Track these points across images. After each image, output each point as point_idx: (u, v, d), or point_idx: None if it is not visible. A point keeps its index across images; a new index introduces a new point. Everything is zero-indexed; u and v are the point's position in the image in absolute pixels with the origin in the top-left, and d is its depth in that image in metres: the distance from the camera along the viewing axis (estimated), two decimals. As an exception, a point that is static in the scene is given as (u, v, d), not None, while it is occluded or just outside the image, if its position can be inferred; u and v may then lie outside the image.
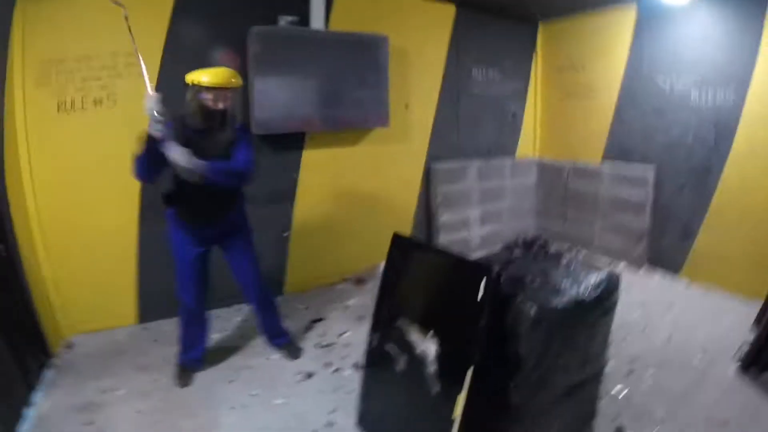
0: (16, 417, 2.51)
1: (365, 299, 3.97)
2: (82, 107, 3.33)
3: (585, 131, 4.83)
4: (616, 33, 4.42)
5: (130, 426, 2.52)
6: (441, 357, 1.95)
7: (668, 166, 4.14)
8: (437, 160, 4.66)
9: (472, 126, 4.87)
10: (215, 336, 3.42)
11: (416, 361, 2.04)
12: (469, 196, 4.80)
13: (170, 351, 3.14)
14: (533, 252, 2.47)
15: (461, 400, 1.80)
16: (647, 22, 4.19)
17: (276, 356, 3.15)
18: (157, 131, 2.39)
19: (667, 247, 4.21)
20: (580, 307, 1.98)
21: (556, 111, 5.16)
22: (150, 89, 2.46)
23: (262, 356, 3.17)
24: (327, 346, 3.25)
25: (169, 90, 3.38)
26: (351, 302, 3.95)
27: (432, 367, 1.97)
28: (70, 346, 3.35)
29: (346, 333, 3.41)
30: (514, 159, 5.14)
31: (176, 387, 2.84)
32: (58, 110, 3.28)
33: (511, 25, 4.94)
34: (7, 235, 2.89)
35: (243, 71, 3.60)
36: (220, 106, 2.51)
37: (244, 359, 3.15)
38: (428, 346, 2.00)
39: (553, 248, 2.53)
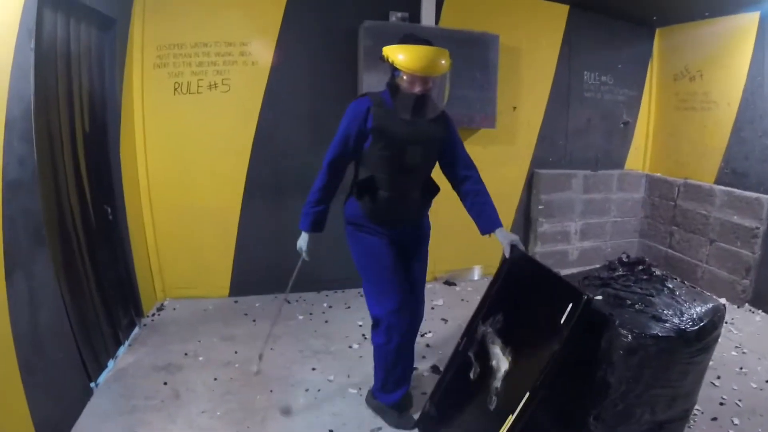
0: (99, 366, 2.65)
1: (452, 301, 3.88)
2: (198, 90, 3.51)
3: (700, 147, 4.42)
4: (737, 41, 4.02)
5: (204, 391, 2.58)
6: (508, 374, 1.86)
7: None
8: (542, 166, 4.43)
9: (580, 133, 4.59)
10: (300, 317, 3.47)
11: (488, 372, 1.96)
12: (572, 206, 4.50)
13: (258, 327, 3.29)
14: (636, 273, 2.25)
15: (509, 423, 1.70)
16: None
17: (356, 345, 3.11)
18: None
19: None
20: (680, 339, 1.76)
21: (670, 122, 4.75)
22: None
23: (344, 343, 3.15)
24: None
25: (280, 83, 3.61)
26: (438, 302, 3.84)
27: (498, 382, 1.88)
28: (161, 308, 3.59)
29: (429, 333, 3.30)
30: (622, 171, 4.79)
31: (257, 360, 2.61)
32: (174, 92, 3.48)
33: (627, 29, 4.62)
34: (116, 200, 3.13)
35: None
36: (417, 90, 2.02)
37: (325, 344, 3.13)
38: (502, 361, 1.90)
39: (657, 271, 2.28)
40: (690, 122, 4.52)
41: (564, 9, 4.32)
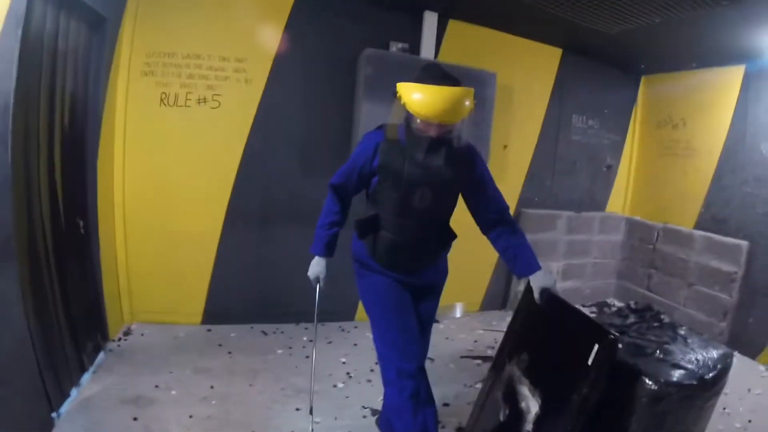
0: (62, 394, 2.41)
1: (437, 340, 3.62)
2: (186, 104, 3.34)
3: (680, 192, 4.53)
4: (721, 92, 4.17)
5: (179, 430, 2.34)
6: (538, 418, 1.80)
7: (765, 238, 3.77)
8: (528, 206, 4.43)
9: (567, 174, 4.64)
10: (279, 351, 3.28)
11: (517, 414, 1.89)
12: (555, 247, 4.52)
13: (234, 359, 3.09)
14: (648, 320, 2.27)
15: None
16: (755, 84, 3.92)
17: (341, 384, 2.94)
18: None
19: (752, 327, 3.79)
20: (700, 385, 1.80)
21: (652, 168, 4.88)
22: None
23: (328, 381, 2.96)
24: None
25: (273, 105, 3.49)
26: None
27: (529, 426, 1.81)
28: (128, 332, 3.33)
29: None
30: (604, 213, 4.85)
31: (236, 397, 2.54)
32: (161, 103, 3.31)
33: (615, 75, 4.76)
34: (89, 213, 2.90)
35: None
36: (433, 134, 1.82)
37: (308, 382, 2.85)
38: (531, 404, 1.84)
39: (666, 318, 2.32)
40: (671, 168, 4.63)
41: (558, 52, 4.40)
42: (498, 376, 2.09)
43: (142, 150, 3.29)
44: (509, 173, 4.33)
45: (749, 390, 3.23)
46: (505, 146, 4.24)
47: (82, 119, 2.81)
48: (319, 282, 2.16)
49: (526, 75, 4.26)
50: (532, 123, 4.39)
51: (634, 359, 1.83)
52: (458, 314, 4.28)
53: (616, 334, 1.66)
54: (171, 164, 3.36)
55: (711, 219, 4.22)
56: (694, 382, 1.76)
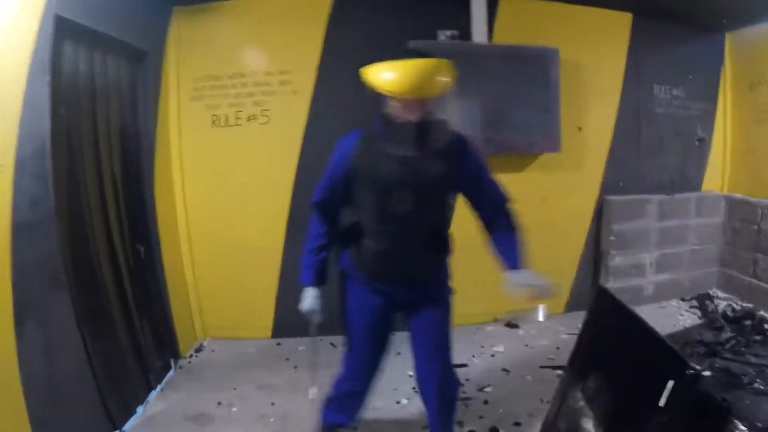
0: (128, 413, 2.54)
1: (514, 347, 3.46)
2: (236, 122, 3.42)
3: (785, 162, 3.95)
4: None
5: None
6: None
7: None
8: (612, 192, 4.01)
9: (653, 152, 4.17)
10: (336, 369, 3.06)
11: None
12: (647, 236, 4.04)
13: (299, 374, 3.06)
14: (746, 333, 1.81)
15: None
16: None
17: (405, 401, 2.74)
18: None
19: None
20: None
21: (750, 136, 4.30)
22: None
23: (390, 398, 2.76)
24: (464, 399, 2.71)
25: (323, 113, 3.43)
26: (499, 349, 3.41)
27: None
28: (200, 349, 3.47)
29: (488, 387, 2.89)
30: (700, 193, 4.33)
31: (296, 412, 2.53)
32: (213, 124, 3.42)
33: (695, 35, 4.24)
34: (151, 238, 3.03)
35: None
36: (412, 117, 1.64)
37: (372, 397, 2.65)
38: None
39: None
40: (773, 135, 4.06)
41: (628, 17, 3.97)
42: (563, 404, 1.82)
43: (200, 172, 3.42)
44: (588, 158, 3.97)
45: None
46: (580, 128, 3.87)
47: (134, 151, 2.94)
48: (314, 315, 1.94)
49: (595, 48, 3.89)
50: (608, 99, 3.99)
51: (725, 392, 1.45)
52: (541, 317, 3.92)
53: (697, 367, 1.31)
54: (229, 183, 3.46)
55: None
56: None
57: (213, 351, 3.41)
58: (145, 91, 3.02)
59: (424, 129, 1.66)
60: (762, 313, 2.10)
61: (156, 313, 3.03)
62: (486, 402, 2.74)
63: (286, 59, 3.40)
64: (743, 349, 1.74)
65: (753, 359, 1.64)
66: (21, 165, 1.83)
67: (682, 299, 4.18)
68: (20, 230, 1.82)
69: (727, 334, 1.88)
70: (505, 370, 3.13)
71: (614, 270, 3.97)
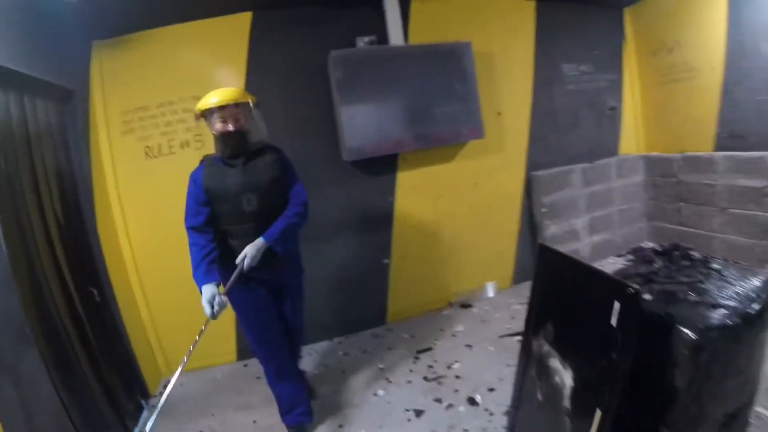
0: None
1: (473, 324, 3.67)
2: (170, 151, 3.37)
3: (691, 117, 4.31)
4: (709, 3, 3.93)
5: None
6: (573, 391, 1.71)
7: None
8: (538, 168, 4.27)
9: (570, 126, 4.46)
10: (315, 372, 3.26)
11: (553, 391, 1.81)
12: (575, 203, 4.34)
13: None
14: (676, 260, 2.09)
15: None
16: None
17: (381, 392, 2.90)
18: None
19: None
20: (744, 323, 1.59)
21: (657, 99, 4.65)
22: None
23: (367, 392, 2.93)
24: (436, 379, 2.95)
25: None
26: (459, 328, 3.63)
27: (566, 401, 1.73)
28: (167, 385, 3.27)
29: (456, 364, 3.10)
30: (619, 157, 4.65)
31: (282, 426, 2.62)
32: (146, 156, 3.34)
33: (596, 13, 4.53)
34: (101, 280, 2.98)
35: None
36: (231, 127, 2.24)
37: (347, 397, 2.90)
38: (564, 377, 1.74)
39: (696, 254, 2.11)
40: (677, 94, 4.42)
41: (531, 4, 4.22)
42: (529, 354, 2.00)
43: (139, 206, 3.33)
44: (510, 140, 4.20)
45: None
46: (499, 113, 4.10)
47: (73, 193, 2.87)
48: (214, 306, 2.18)
49: (504, 36, 4.11)
50: (523, 83, 4.23)
51: (667, 307, 1.65)
52: (491, 294, 4.17)
53: (636, 286, 1.50)
54: (171, 212, 3.24)
55: (729, 137, 4.00)
56: (738, 321, 1.57)
57: (181, 385, 3.21)
58: (76, 130, 2.96)
59: (241, 136, 2.26)
60: (684, 245, 2.36)
61: (119, 356, 2.96)
62: (458, 377, 2.94)
63: (213, 81, 3.34)
64: (674, 273, 1.94)
65: (684, 279, 1.85)
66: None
67: (618, 255, 4.50)
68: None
69: (658, 264, 2.11)
70: (468, 345, 3.32)
71: (551, 238, 4.22)
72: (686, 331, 1.55)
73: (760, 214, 3.66)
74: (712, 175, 4.00)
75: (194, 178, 2.33)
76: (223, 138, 2.26)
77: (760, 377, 1.83)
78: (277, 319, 2.49)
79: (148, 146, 3.31)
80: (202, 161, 2.40)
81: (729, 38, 3.85)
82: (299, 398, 2.59)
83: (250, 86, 3.41)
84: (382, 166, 3.74)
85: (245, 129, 2.28)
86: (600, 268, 1.78)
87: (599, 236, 4.51)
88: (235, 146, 2.26)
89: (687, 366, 1.55)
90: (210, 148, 3.27)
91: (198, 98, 3.23)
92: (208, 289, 2.18)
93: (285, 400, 2.56)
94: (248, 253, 2.22)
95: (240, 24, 3.43)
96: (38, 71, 2.50)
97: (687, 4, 4.14)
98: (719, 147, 4.08)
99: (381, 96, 3.52)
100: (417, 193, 3.88)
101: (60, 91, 2.82)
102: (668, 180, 4.44)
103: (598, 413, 1.50)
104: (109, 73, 3.25)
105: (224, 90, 2.26)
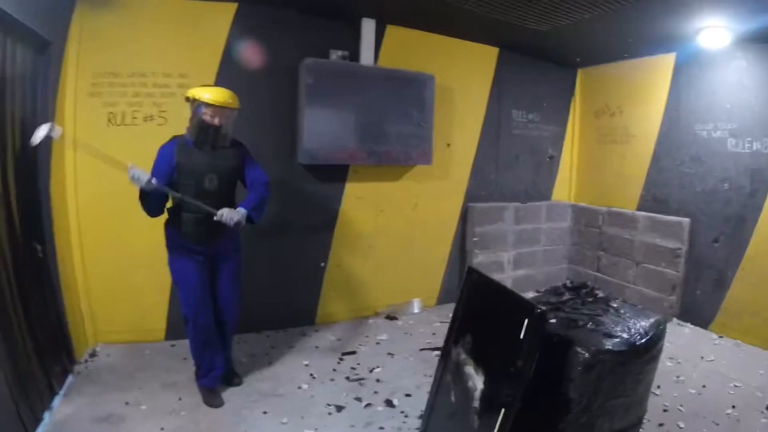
0: (36, 419, 2.45)
1: (396, 335, 3.90)
2: (133, 122, 3.38)
3: (621, 177, 4.80)
4: (654, 79, 4.45)
5: None
6: (483, 393, 1.94)
7: (704, 214, 4.08)
8: (475, 200, 4.63)
9: (510, 167, 4.86)
10: (244, 360, 3.36)
11: (466, 393, 2.03)
12: (504, 237, 4.73)
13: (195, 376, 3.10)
14: (582, 296, 2.45)
15: None
16: (685, 69, 4.22)
17: (305, 386, 3.06)
18: (150, 185, 2.53)
19: (700, 298, 4.10)
20: (631, 352, 1.97)
21: (593, 155, 5.14)
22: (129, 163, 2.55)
23: (292, 384, 3.08)
24: (358, 380, 3.16)
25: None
26: (383, 337, 3.85)
27: (476, 402, 1.95)
28: (94, 354, 3.35)
29: (377, 368, 3.32)
30: (550, 202, 5.09)
31: (204, 407, 2.77)
32: (108, 122, 3.34)
33: (551, 70, 4.99)
34: (46, 238, 2.94)
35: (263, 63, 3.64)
36: (216, 122, 2.63)
37: (273, 386, 3.05)
38: (476, 381, 2.00)
39: (600, 293, 2.49)
40: (611, 154, 4.89)
41: (494, 51, 4.60)
42: (447, 361, 2.25)
43: (93, 171, 3.26)
44: (454, 170, 4.53)
45: (702, 357, 3.52)
46: (449, 144, 4.44)
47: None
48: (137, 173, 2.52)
49: (465, 75, 4.46)
50: (474, 120, 4.59)
51: (568, 331, 1.99)
52: (416, 309, 4.44)
53: (543, 308, 1.80)
54: (122, 183, 3.17)
55: (652, 199, 4.49)
56: (625, 348, 1.92)
57: (108, 355, 3.32)
58: (45, 83, 2.90)
59: (220, 132, 2.65)
60: (593, 285, 2.69)
61: (52, 317, 2.91)
62: (378, 380, 3.14)
63: (187, 63, 3.41)
64: (579, 306, 2.30)
65: (586, 311, 2.21)
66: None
67: (537, 291, 4.85)
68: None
69: (566, 296, 2.45)
70: (390, 354, 3.53)
71: (477, 266, 4.51)
72: (581, 351, 1.88)
73: (671, 272, 4.15)
74: (632, 231, 4.46)
75: (166, 150, 2.67)
76: (206, 128, 2.62)
77: (646, 404, 2.21)
78: (209, 290, 2.80)
79: (111, 113, 3.31)
80: (172, 139, 2.71)
81: (666, 113, 4.36)
82: (217, 365, 2.87)
83: (221, 74, 3.51)
84: (334, 174, 3.94)
85: (224, 127, 2.68)
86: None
87: (522, 271, 4.89)
88: (213, 138, 2.65)
89: (580, 381, 1.88)
90: (173, 125, 3.30)
91: (168, 76, 3.40)
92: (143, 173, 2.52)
93: (205, 365, 2.84)
94: (226, 212, 2.57)
95: (224, 12, 3.51)
96: (21, 14, 2.43)
97: (634, 78, 4.64)
98: (642, 207, 4.56)
99: (344, 108, 3.76)
100: (362, 204, 4.10)
101: (39, 40, 2.76)
102: (592, 229, 4.90)
103: (503, 411, 1.77)
104: (89, 33, 3.21)
105: (224, 92, 2.65)
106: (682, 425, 2.64)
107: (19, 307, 2.50)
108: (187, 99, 2.67)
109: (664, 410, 2.78)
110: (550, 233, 5.05)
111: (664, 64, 4.34)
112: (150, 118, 3.41)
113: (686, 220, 4.12)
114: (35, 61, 2.83)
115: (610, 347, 1.91)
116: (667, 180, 4.37)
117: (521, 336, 1.80)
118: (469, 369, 2.05)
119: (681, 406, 2.84)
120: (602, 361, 1.87)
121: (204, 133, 2.63)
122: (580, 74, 5.21)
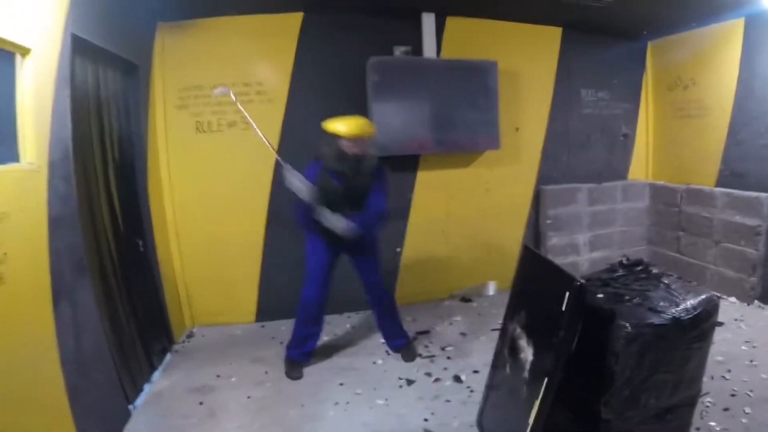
0: (136, 389, 2.81)
1: (470, 316, 3.98)
2: (218, 128, 3.73)
3: (698, 152, 4.56)
4: (725, 47, 4.20)
5: (239, 409, 2.71)
6: (532, 364, 2.01)
7: None
8: (547, 183, 4.59)
9: (582, 148, 4.77)
10: (325, 338, 3.58)
11: (519, 365, 2.10)
12: (579, 219, 4.63)
13: (284, 348, 3.35)
14: (635, 273, 2.40)
15: (535, 408, 1.83)
16: (756, 34, 3.94)
17: (380, 361, 3.28)
18: (309, 198, 2.81)
19: None
20: (676, 327, 1.93)
21: (668, 131, 4.92)
22: (282, 164, 2.90)
23: (368, 359, 3.29)
24: (430, 357, 3.30)
25: (295, 119, 3.81)
26: (456, 318, 3.95)
27: (526, 373, 2.03)
28: (190, 335, 3.76)
29: (449, 347, 3.43)
30: (626, 181, 4.93)
31: (288, 379, 3.05)
32: (197, 130, 3.71)
33: (619, 45, 4.83)
34: (146, 234, 3.33)
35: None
36: (356, 151, 2.83)
37: (350, 361, 3.27)
38: (527, 353, 2.05)
39: (655, 270, 2.43)
40: (687, 129, 4.67)
41: (558, 31, 4.53)
42: (504, 336, 2.33)
43: (186, 173, 3.71)
44: (524, 154, 4.52)
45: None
46: (517, 129, 4.43)
47: (130, 153, 3.23)
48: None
49: (529, 58, 4.44)
50: (541, 103, 4.54)
51: (613, 306, 1.99)
52: (491, 292, 4.46)
53: (582, 280, 1.83)
54: (212, 182, 3.76)
55: (730, 175, 4.25)
56: (668, 323, 1.89)
57: (203, 336, 3.73)
58: (136, 100, 3.28)
59: (361, 159, 2.86)
60: (649, 262, 2.58)
61: (153, 302, 3.31)
62: (449, 358, 3.27)
63: (263, 71, 3.75)
64: (630, 281, 2.25)
65: (636, 287, 2.17)
66: (52, 167, 2.10)
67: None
68: (54, 223, 2.08)
69: (619, 273, 2.42)
70: (462, 334, 3.64)
71: (552, 249, 4.54)
72: (623, 323, 1.88)
73: (750, 251, 3.90)
74: (711, 209, 4.23)
75: (311, 172, 2.92)
76: (344, 156, 2.84)
77: (699, 384, 2.14)
78: (329, 274, 3.10)
79: (199, 121, 3.68)
80: (316, 161, 2.95)
81: (740, 83, 4.10)
82: (310, 344, 3.15)
83: (295, 80, 3.79)
84: (406, 164, 4.09)
85: (365, 154, 2.89)
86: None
87: (599, 253, 4.76)
88: (353, 166, 2.86)
89: (622, 354, 1.87)
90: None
91: (247, 85, 3.72)
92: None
93: (299, 339, 3.13)
94: (339, 222, 2.84)
95: (292, 22, 3.77)
96: (110, 45, 2.81)
97: (704, 48, 4.41)
98: (720, 183, 4.31)
99: (410, 101, 3.88)
100: (433, 192, 4.23)
101: (127, 64, 3.14)
102: (670, 209, 4.68)
103: (545, 380, 1.82)
104: (170, 53, 3.61)
105: (358, 122, 2.87)
106: (748, 410, 2.49)
107: (123, 293, 2.90)
108: (323, 132, 2.88)
109: (732, 395, 2.64)
110: (627, 214, 4.88)
111: (734, 29, 4.09)
112: (233, 124, 3.73)
113: (765, 196, 3.83)
114: (126, 82, 3.20)
115: (652, 321, 1.89)
116: (746, 153, 4.10)
117: (563, 308, 1.83)
118: (523, 342, 2.11)
119: (751, 391, 2.66)
120: (644, 334, 1.86)
121: (343, 161, 2.84)
122: (650, 47, 4.98)
